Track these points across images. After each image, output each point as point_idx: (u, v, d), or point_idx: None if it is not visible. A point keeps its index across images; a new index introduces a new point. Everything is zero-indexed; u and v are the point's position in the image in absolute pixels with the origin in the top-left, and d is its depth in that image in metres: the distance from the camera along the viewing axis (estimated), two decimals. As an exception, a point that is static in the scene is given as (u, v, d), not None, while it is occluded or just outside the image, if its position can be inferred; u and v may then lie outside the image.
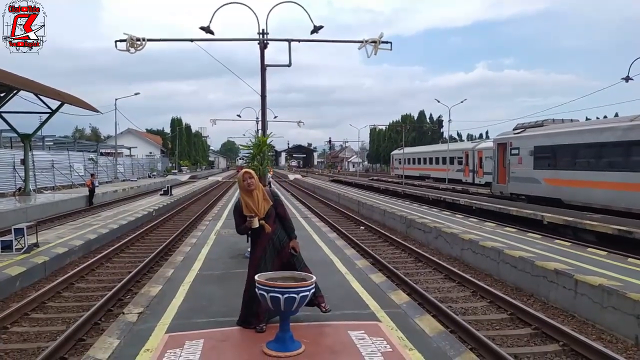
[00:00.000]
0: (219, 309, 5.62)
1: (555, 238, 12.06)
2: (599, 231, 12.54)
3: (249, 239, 5.13)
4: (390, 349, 4.36)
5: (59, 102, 22.63)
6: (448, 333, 5.38)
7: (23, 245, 10.14)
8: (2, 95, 20.30)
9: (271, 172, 40.01)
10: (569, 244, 11.17)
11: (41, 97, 21.65)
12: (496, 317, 7.37)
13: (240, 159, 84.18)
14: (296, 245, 5.08)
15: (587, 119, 35.57)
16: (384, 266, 10.42)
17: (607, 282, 7.03)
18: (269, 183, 33.40)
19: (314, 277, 4.36)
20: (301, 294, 4.13)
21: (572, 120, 21.01)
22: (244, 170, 5.04)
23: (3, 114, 22.11)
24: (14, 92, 20.20)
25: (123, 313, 5.74)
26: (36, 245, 10.71)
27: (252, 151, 10.02)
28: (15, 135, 25.02)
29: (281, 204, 5.18)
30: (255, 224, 4.82)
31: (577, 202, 17.04)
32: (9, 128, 23.71)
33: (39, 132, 26.38)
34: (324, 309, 5.01)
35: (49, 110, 23.04)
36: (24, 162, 23.44)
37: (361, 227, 17.49)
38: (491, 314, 7.54)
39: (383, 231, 15.87)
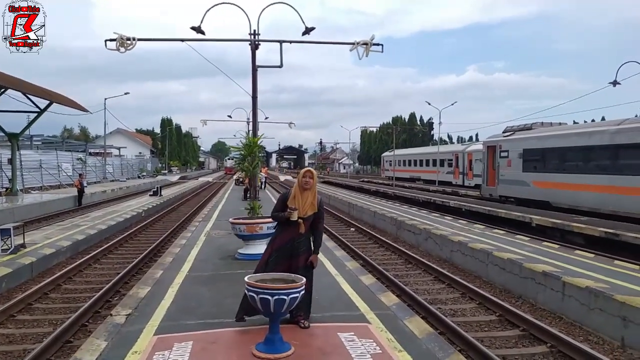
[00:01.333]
0: (208, 311, 5.60)
1: (544, 240, 12.17)
2: (586, 233, 12.68)
3: (275, 229, 5.18)
4: (380, 351, 4.37)
5: (48, 102, 22.42)
6: (437, 334, 5.41)
7: (9, 246, 10.01)
8: (-11, 93, 20.06)
9: (266, 172, 39.60)
10: (557, 246, 11.28)
11: (29, 96, 21.43)
12: (485, 318, 7.42)
13: (229, 159, 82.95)
14: (315, 260, 5.05)
15: (574, 122, 35.97)
16: (374, 268, 10.45)
17: (594, 284, 7.11)
18: (263, 182, 33.10)
19: (304, 279, 4.36)
20: (291, 296, 4.12)
21: (560, 124, 21.25)
22: (306, 168, 5.14)
23: (-10, 113, 21.86)
24: (2, 90, 19.97)
25: (111, 315, 5.69)
26: (23, 246, 10.58)
27: (242, 152, 10.00)
28: (3, 134, 24.71)
29: (323, 218, 5.18)
30: (294, 216, 4.85)
31: (565, 204, 17.21)
32: (-5, 127, 23.42)
33: (27, 131, 26.12)
34: (303, 326, 4.93)
35: (38, 110, 22.81)
36: (11, 161, 23.18)
37: (351, 229, 17.52)
38: (480, 316, 7.59)
39: (373, 233, 15.91)
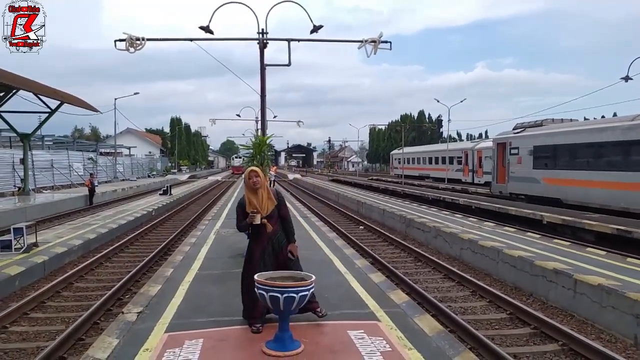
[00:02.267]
0: (218, 309, 5.62)
1: (555, 237, 12.07)
2: (598, 231, 12.55)
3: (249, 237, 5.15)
4: (390, 349, 4.37)
5: (59, 102, 22.61)
6: (447, 332, 5.39)
7: (22, 244, 10.12)
8: (1, 94, 20.28)
9: (275, 171, 39.67)
10: (568, 243, 11.18)
11: (40, 96, 21.63)
12: (495, 316, 7.38)
13: (237, 157, 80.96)
14: (294, 250, 5.04)
15: (585, 118, 35.60)
16: (383, 266, 10.42)
17: (606, 282, 7.04)
18: (272, 181, 33.43)
19: (314, 277, 4.36)
20: (300, 294, 4.13)
21: (571, 120, 21.05)
22: (250, 168, 5.03)
23: (2, 114, 22.08)
24: (13, 91, 20.18)
25: (122, 312, 5.74)
26: (35, 244, 10.70)
27: (252, 151, 10.01)
28: (15, 134, 25.00)
29: (285, 205, 5.16)
30: (257, 220, 4.81)
31: (576, 201, 17.05)
32: (8, 128, 23.69)
33: (38, 131, 26.37)
34: (320, 314, 4.95)
35: (49, 110, 23.02)
36: (23, 161, 23.43)
37: (360, 227, 17.49)
38: (490, 314, 7.54)
39: (382, 231, 15.87)
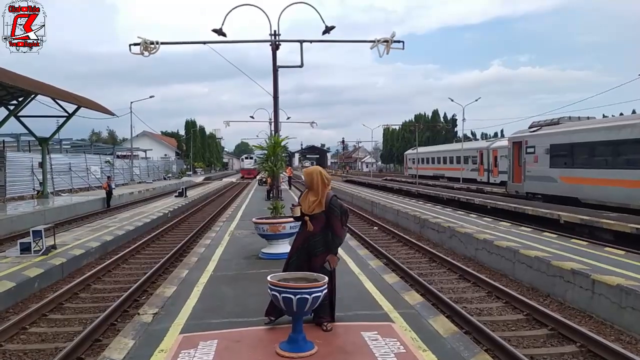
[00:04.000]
0: (233, 310, 5.65)
1: (572, 237, 11.89)
2: (616, 230, 12.34)
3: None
4: (404, 350, 4.34)
5: (76, 106, 22.94)
6: (462, 334, 5.33)
7: (41, 247, 10.29)
8: (20, 99, 20.67)
9: (290, 172, 39.72)
10: (586, 243, 11.00)
11: (58, 101, 21.97)
12: (512, 317, 7.29)
13: (247, 157, 71.71)
14: (332, 261, 4.90)
15: (604, 116, 35.02)
16: (397, 266, 10.38)
17: (625, 282, 6.91)
18: (289, 179, 33.46)
19: (326, 278, 4.36)
20: (313, 295, 4.13)
21: (588, 118, 20.72)
22: (310, 168, 5.25)
23: (21, 118, 22.50)
24: (32, 96, 20.53)
25: (138, 314, 5.80)
26: (54, 247, 10.86)
27: (266, 152, 10.07)
28: (33, 138, 25.45)
29: (335, 217, 4.92)
30: (296, 212, 5.00)
31: (594, 200, 16.78)
32: (27, 132, 24.13)
33: (56, 135, 26.82)
34: (324, 328, 4.84)
35: (66, 114, 23.39)
36: (42, 165, 23.85)
37: (374, 227, 17.44)
38: (506, 315, 7.46)
39: (396, 231, 15.81)
